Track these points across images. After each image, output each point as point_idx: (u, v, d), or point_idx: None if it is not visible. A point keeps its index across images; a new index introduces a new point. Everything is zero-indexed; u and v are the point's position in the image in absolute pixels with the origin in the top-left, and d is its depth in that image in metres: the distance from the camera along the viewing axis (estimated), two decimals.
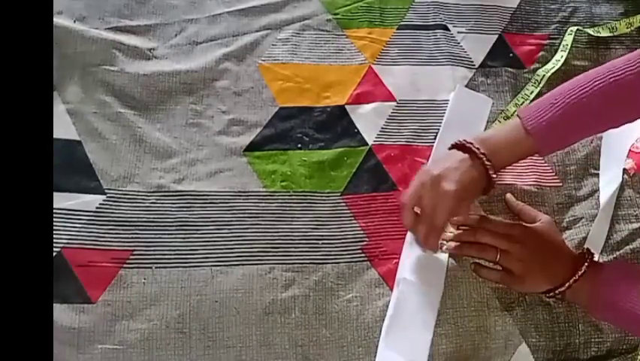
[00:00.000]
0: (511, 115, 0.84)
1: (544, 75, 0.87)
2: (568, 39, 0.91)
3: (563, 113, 0.65)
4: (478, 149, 0.66)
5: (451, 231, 0.74)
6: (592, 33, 0.92)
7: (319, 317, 0.71)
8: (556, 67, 0.88)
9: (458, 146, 0.69)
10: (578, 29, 0.92)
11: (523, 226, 0.72)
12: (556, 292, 0.68)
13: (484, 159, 0.66)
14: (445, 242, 0.73)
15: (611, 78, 0.65)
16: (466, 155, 0.67)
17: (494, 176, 0.67)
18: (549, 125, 0.65)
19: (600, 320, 0.73)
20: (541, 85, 0.87)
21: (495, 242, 0.70)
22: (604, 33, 0.93)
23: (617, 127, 0.70)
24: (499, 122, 0.84)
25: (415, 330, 0.70)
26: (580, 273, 0.67)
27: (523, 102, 0.85)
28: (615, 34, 0.93)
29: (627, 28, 0.93)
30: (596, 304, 0.67)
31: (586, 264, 0.67)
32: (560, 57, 0.89)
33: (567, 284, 0.67)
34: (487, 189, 0.69)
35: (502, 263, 0.70)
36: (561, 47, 0.91)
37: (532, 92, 0.86)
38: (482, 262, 0.73)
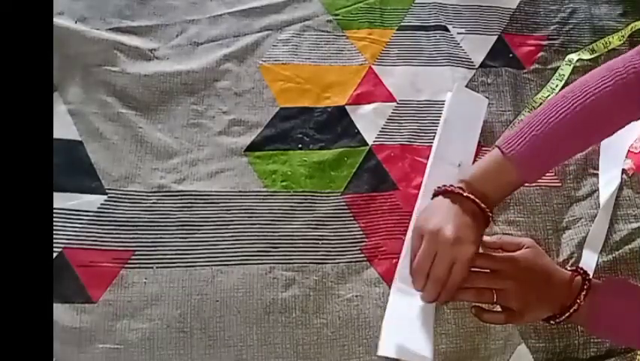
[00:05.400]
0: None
1: (540, 103, 0.87)
2: (565, 69, 0.90)
3: (544, 135, 0.63)
4: (462, 190, 0.64)
5: None
6: (589, 56, 0.92)
7: (319, 316, 0.71)
8: (552, 95, 0.87)
9: (444, 192, 0.65)
10: (579, 60, 0.91)
11: (511, 259, 0.68)
12: (556, 320, 0.66)
13: (477, 200, 0.63)
14: None
15: (587, 97, 0.63)
16: (456, 204, 0.64)
17: (491, 214, 0.64)
18: (530, 148, 0.63)
19: (600, 338, 0.73)
20: None
21: (489, 284, 0.66)
22: (599, 51, 0.92)
23: (594, 145, 0.67)
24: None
25: (416, 323, 0.68)
26: (579, 301, 0.64)
27: None
28: (609, 48, 0.93)
29: (619, 40, 0.93)
30: (595, 327, 0.66)
31: (583, 293, 0.65)
32: (555, 86, 0.88)
33: (566, 315, 0.65)
34: (485, 227, 0.66)
35: (499, 303, 0.67)
36: (557, 75, 0.90)
37: None
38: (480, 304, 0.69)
